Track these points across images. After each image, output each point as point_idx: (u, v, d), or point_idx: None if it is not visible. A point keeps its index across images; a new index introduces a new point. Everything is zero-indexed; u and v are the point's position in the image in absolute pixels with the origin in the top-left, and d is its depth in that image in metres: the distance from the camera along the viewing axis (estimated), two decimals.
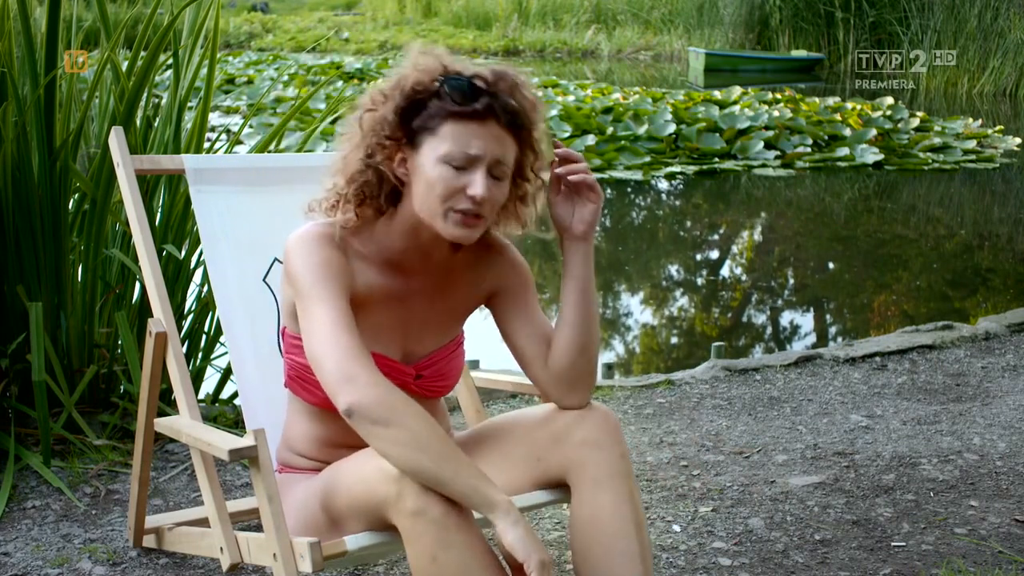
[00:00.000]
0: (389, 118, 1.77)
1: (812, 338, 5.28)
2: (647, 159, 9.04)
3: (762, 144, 9.44)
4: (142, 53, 2.98)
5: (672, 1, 21.80)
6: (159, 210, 3.08)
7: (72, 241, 3.03)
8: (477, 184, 1.72)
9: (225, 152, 3.62)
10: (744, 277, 6.53)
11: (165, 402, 2.91)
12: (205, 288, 3.22)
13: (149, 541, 2.40)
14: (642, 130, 9.59)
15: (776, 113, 10.30)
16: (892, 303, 5.82)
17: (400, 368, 1.87)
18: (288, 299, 1.85)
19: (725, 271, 6.70)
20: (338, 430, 1.88)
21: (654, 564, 2.44)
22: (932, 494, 2.83)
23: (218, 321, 3.19)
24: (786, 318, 5.75)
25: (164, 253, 2.99)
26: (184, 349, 3.08)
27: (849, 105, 11.31)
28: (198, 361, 3.22)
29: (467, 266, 1.93)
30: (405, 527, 1.66)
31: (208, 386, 3.38)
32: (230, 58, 16.40)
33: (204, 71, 3.21)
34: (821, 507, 2.74)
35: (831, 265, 6.79)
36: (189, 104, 3.27)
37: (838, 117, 10.58)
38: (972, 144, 10.08)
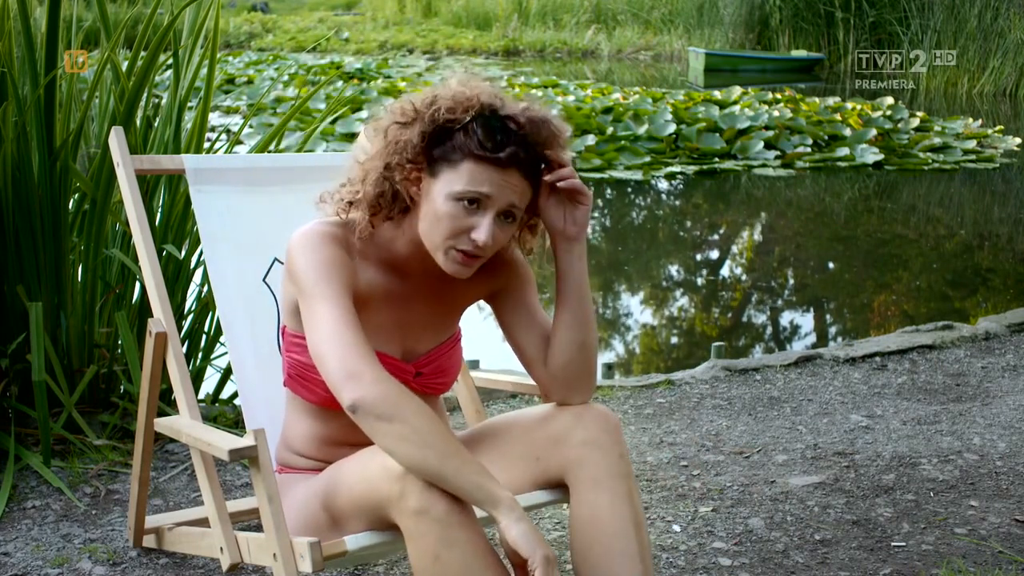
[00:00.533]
0: (413, 140, 1.76)
1: (812, 338, 5.28)
2: (647, 159, 9.04)
3: (762, 144, 9.43)
4: (142, 53, 2.98)
5: (672, 1, 21.80)
6: (159, 210, 3.08)
7: (72, 241, 3.03)
8: (483, 230, 1.73)
9: (225, 152, 3.62)
10: (744, 277, 6.53)
11: (165, 402, 2.91)
12: (205, 288, 3.22)
13: (149, 541, 2.40)
14: (642, 130, 9.59)
15: (776, 113, 10.29)
16: (892, 303, 5.82)
17: (400, 366, 1.88)
18: (289, 297, 1.85)
19: (725, 271, 6.70)
20: (338, 428, 1.88)
21: (654, 564, 2.43)
22: (932, 494, 2.83)
23: (218, 321, 3.19)
24: (786, 318, 5.75)
25: (164, 253, 2.99)
26: (184, 349, 3.08)
27: (849, 105, 11.31)
28: (198, 361, 3.22)
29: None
30: (407, 526, 1.66)
31: (208, 386, 3.38)
32: (230, 58, 16.40)
33: (204, 71, 3.21)
34: (821, 507, 2.74)
35: (831, 265, 6.79)
36: (189, 104, 3.27)
37: (838, 117, 10.58)
38: (972, 144, 10.08)
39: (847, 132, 10.04)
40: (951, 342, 4.17)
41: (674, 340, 5.40)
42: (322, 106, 9.90)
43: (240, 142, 7.98)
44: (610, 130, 9.62)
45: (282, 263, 2.29)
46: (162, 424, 2.12)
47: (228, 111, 11.31)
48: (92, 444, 2.89)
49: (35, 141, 2.87)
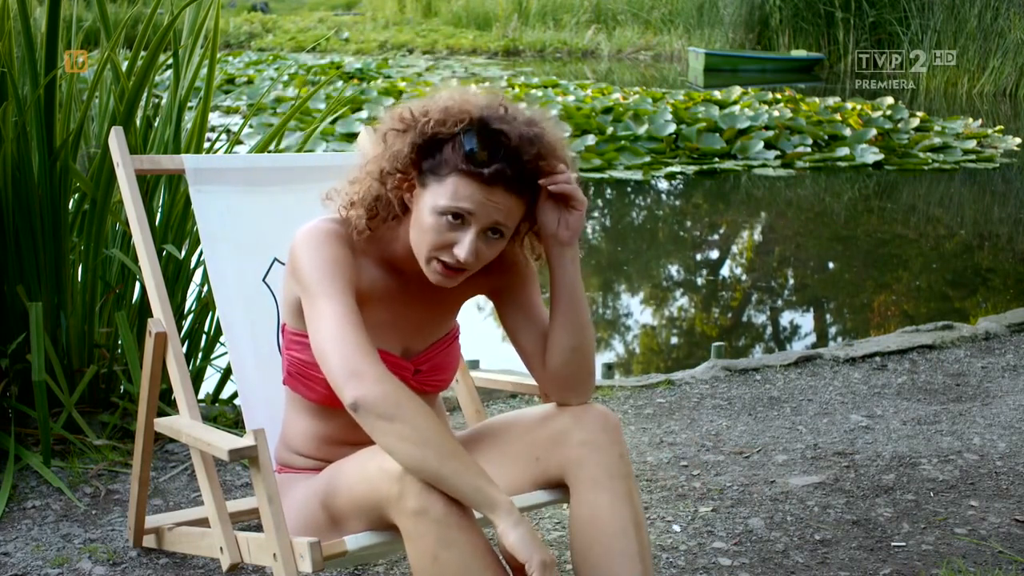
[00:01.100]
0: (404, 151, 1.76)
1: (812, 338, 5.28)
2: (647, 159, 9.04)
3: (762, 144, 9.43)
4: (142, 53, 2.98)
5: (672, 1, 21.79)
6: (159, 210, 3.08)
7: (72, 241, 3.03)
8: (464, 247, 1.72)
9: (225, 152, 3.62)
10: (744, 277, 6.53)
11: (165, 402, 2.91)
12: (205, 288, 3.22)
13: (149, 541, 2.40)
14: (642, 130, 9.59)
15: (776, 113, 10.29)
16: (892, 303, 5.82)
17: (399, 363, 1.88)
18: (291, 295, 1.85)
19: (725, 271, 6.70)
20: (338, 427, 1.88)
21: (654, 564, 2.44)
22: (932, 494, 2.83)
23: (218, 321, 3.19)
24: (786, 318, 5.75)
25: (164, 253, 2.99)
26: (184, 349, 3.08)
27: (849, 105, 11.30)
28: (198, 361, 3.22)
29: None
30: (406, 526, 1.66)
31: (208, 386, 3.38)
32: (230, 58, 16.40)
33: (204, 71, 3.21)
34: (821, 507, 2.74)
35: (831, 265, 6.79)
36: (189, 104, 3.27)
37: (838, 117, 10.58)
38: (972, 144, 10.08)
39: (847, 132, 10.04)
40: (951, 342, 4.17)
41: (674, 340, 5.40)
42: (322, 106, 9.90)
43: (240, 142, 7.98)
44: (610, 130, 9.62)
45: (282, 263, 2.29)
46: (162, 424, 2.12)
47: (228, 111, 11.31)
48: (92, 444, 2.89)
49: (35, 141, 2.87)
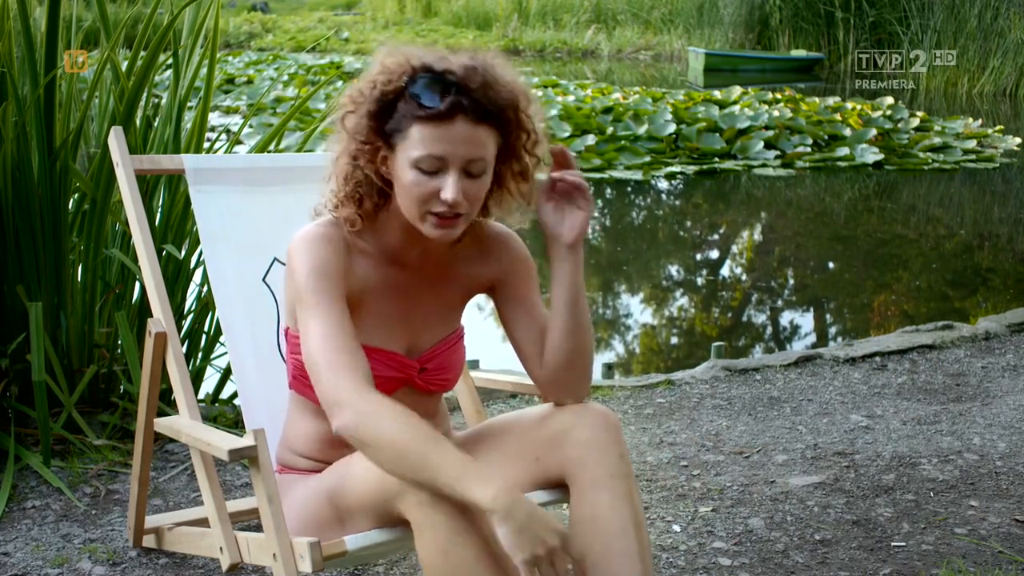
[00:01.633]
0: (363, 123, 1.77)
1: (812, 338, 5.28)
2: (647, 159, 9.05)
3: (762, 144, 9.44)
4: (142, 53, 2.98)
5: (672, 1, 21.80)
6: (159, 210, 3.08)
7: (72, 241, 3.03)
8: (448, 188, 1.70)
9: (225, 152, 3.62)
10: (744, 277, 6.53)
11: (165, 402, 2.91)
12: (205, 288, 3.22)
13: (149, 541, 2.40)
14: (642, 130, 9.59)
15: (776, 113, 10.30)
16: (892, 303, 5.82)
17: (404, 362, 1.87)
18: (291, 299, 1.85)
19: (725, 271, 6.70)
20: None
21: (654, 564, 2.44)
22: (932, 494, 2.83)
23: (218, 321, 3.18)
24: (786, 318, 5.75)
25: (164, 253, 2.99)
26: (184, 349, 3.08)
27: (849, 105, 11.31)
28: (198, 361, 3.22)
29: (469, 257, 1.92)
30: (417, 519, 1.66)
31: (208, 386, 3.38)
32: (230, 58, 16.41)
33: (204, 71, 3.21)
34: (821, 507, 2.74)
35: (831, 265, 6.79)
36: (189, 104, 3.27)
37: (838, 117, 10.58)
38: (972, 144, 10.08)
39: (847, 132, 10.04)
40: (951, 342, 4.17)
41: (674, 340, 5.40)
42: (322, 106, 9.90)
43: (240, 142, 7.98)
44: (610, 130, 9.62)
45: (282, 263, 2.29)
46: (162, 424, 2.12)
47: (228, 111, 11.31)
48: (92, 444, 2.89)
49: (35, 141, 2.87)
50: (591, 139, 9.20)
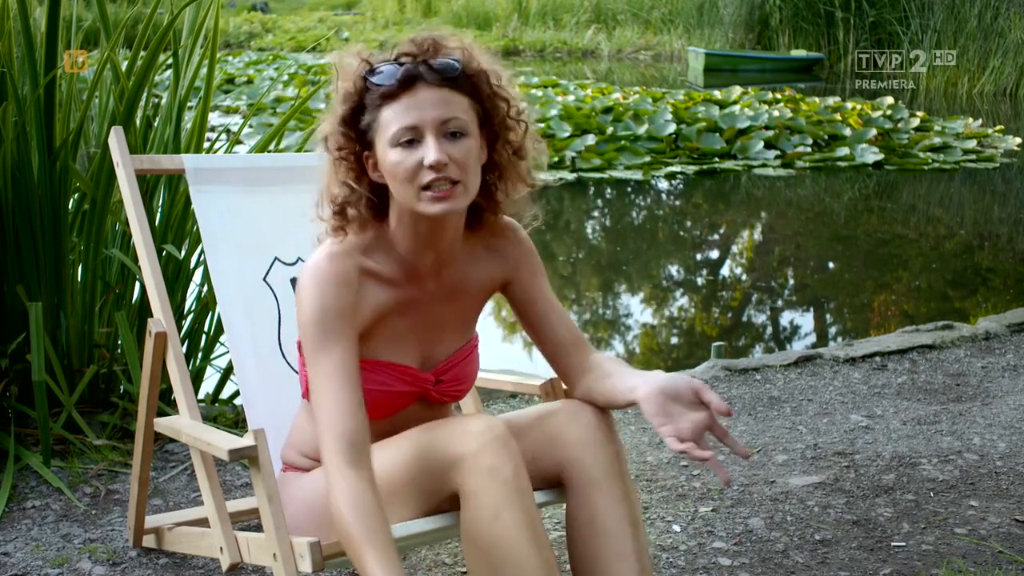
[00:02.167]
0: (339, 129, 1.77)
1: (812, 338, 5.28)
2: (647, 159, 9.05)
3: (762, 144, 9.44)
4: (142, 53, 2.98)
5: (672, 1, 21.80)
6: (159, 210, 3.08)
7: (72, 241, 3.03)
8: (430, 151, 1.69)
9: (225, 152, 3.62)
10: (744, 277, 6.53)
11: (165, 402, 2.91)
12: (205, 288, 3.22)
13: (149, 541, 2.40)
14: (642, 130, 9.60)
15: (776, 113, 10.30)
16: (892, 303, 5.82)
17: (419, 376, 1.86)
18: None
19: (725, 271, 6.70)
20: None
21: (654, 564, 2.44)
22: (932, 494, 2.83)
23: (218, 321, 3.19)
24: (786, 318, 5.75)
25: (164, 253, 2.99)
26: (184, 349, 3.08)
27: (849, 105, 11.31)
28: (198, 361, 3.22)
29: (479, 257, 1.90)
30: (474, 484, 1.67)
31: (208, 386, 3.38)
32: (230, 58, 16.41)
33: (204, 71, 3.21)
34: (821, 507, 2.74)
35: (831, 265, 6.79)
36: (189, 104, 3.27)
37: (838, 117, 10.58)
38: (972, 144, 10.08)
39: (847, 132, 10.04)
40: (951, 342, 4.17)
41: (674, 340, 5.40)
42: (322, 106, 9.88)
43: (240, 142, 7.98)
44: (610, 130, 9.62)
45: (283, 263, 2.29)
46: (162, 424, 2.12)
47: (228, 111, 11.32)
48: (92, 444, 2.89)
49: (35, 141, 2.87)
50: (591, 139, 9.20)
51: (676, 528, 2.62)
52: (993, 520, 2.67)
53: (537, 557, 1.67)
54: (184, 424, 2.05)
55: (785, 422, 3.37)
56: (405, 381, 1.83)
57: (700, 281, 6.46)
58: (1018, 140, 10.36)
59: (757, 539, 2.57)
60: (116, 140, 2.25)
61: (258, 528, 2.44)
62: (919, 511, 2.73)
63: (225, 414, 3.17)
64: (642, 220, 8.15)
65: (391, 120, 1.71)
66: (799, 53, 17.88)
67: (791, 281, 6.48)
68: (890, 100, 11.67)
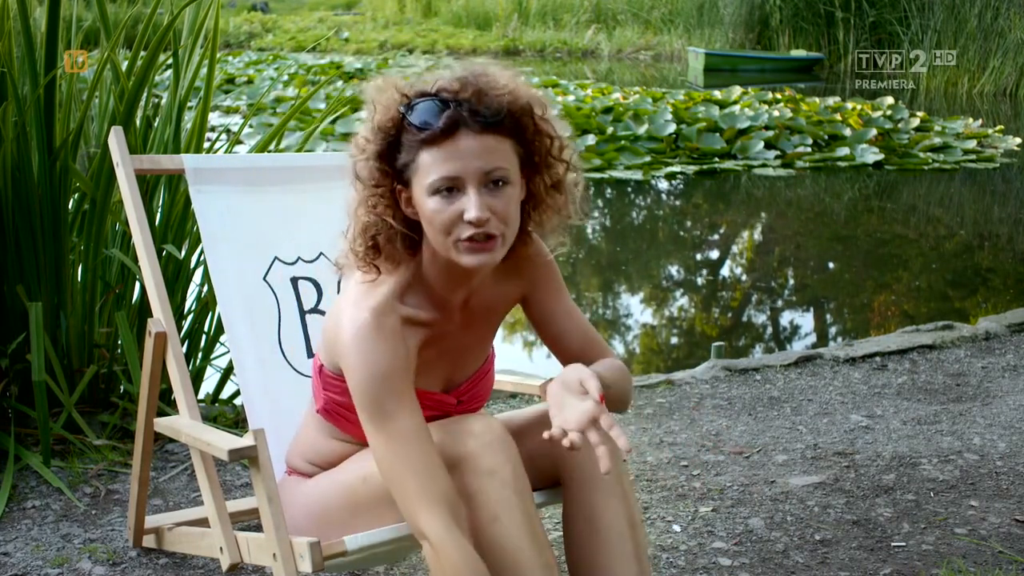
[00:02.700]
0: (372, 166, 1.70)
1: (812, 338, 5.28)
2: (647, 159, 9.04)
3: (762, 144, 9.43)
4: (142, 53, 2.98)
5: (672, 1, 21.79)
6: (159, 210, 3.08)
7: (72, 241, 3.03)
8: (471, 207, 1.63)
9: (225, 152, 3.62)
10: (744, 277, 6.53)
11: (165, 402, 2.91)
12: (205, 288, 3.22)
13: (149, 541, 2.40)
14: (642, 130, 9.59)
15: (776, 113, 10.29)
16: (892, 303, 5.82)
17: (443, 400, 1.85)
18: (331, 351, 1.77)
19: (725, 271, 6.70)
20: None
21: (654, 564, 2.44)
22: (932, 494, 2.83)
23: (218, 321, 3.19)
24: (786, 318, 5.75)
25: (164, 253, 2.99)
26: (184, 349, 3.08)
27: (849, 105, 11.30)
28: (198, 361, 3.22)
29: (498, 282, 1.86)
30: (474, 485, 1.67)
31: (208, 386, 3.38)
32: (230, 58, 16.40)
33: (204, 71, 3.21)
34: (821, 507, 2.74)
35: (831, 265, 6.79)
36: (189, 104, 3.27)
37: (838, 117, 10.58)
38: (972, 144, 10.08)
39: (847, 132, 10.04)
40: (951, 342, 4.17)
41: (674, 340, 5.40)
42: (322, 106, 9.90)
43: (240, 142, 7.97)
44: (610, 130, 9.62)
45: (283, 262, 2.29)
46: (162, 424, 2.12)
47: (228, 111, 11.31)
48: (92, 444, 2.89)
49: (35, 141, 2.87)
50: (591, 139, 9.20)
51: (676, 528, 2.62)
52: (993, 520, 2.67)
53: (537, 558, 1.67)
54: (184, 424, 2.05)
55: (785, 422, 3.37)
56: (429, 406, 1.81)
57: (700, 281, 6.46)
58: (1018, 140, 10.36)
59: (757, 539, 2.57)
60: (116, 140, 2.25)
61: (258, 528, 2.44)
62: (919, 511, 2.73)
63: (225, 414, 3.17)
64: (642, 220, 8.15)
65: (431, 167, 1.65)
66: (799, 53, 17.87)
67: (791, 281, 6.48)
68: (890, 100, 11.67)
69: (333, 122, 9.09)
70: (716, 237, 7.57)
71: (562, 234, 1.85)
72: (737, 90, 11.95)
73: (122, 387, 3.07)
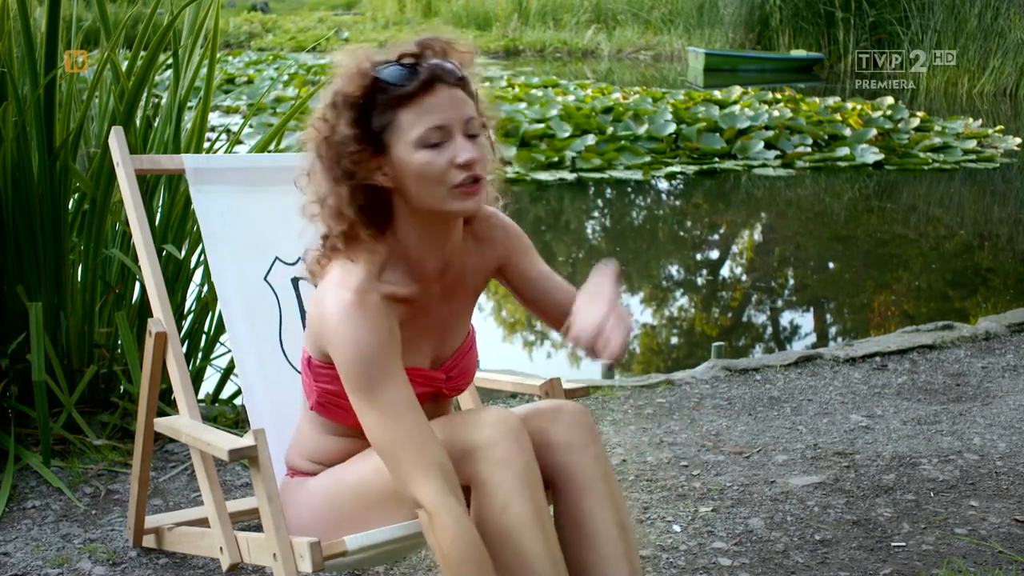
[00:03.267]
0: (348, 133, 1.70)
1: (812, 338, 5.28)
2: (647, 159, 9.04)
3: (762, 144, 9.43)
4: (142, 53, 2.98)
5: (672, 1, 21.79)
6: (159, 210, 3.08)
7: (72, 241, 3.03)
8: (462, 150, 1.69)
9: (225, 152, 3.62)
10: (744, 277, 6.53)
11: (165, 402, 2.91)
12: (205, 288, 3.22)
13: (149, 541, 2.40)
14: (642, 130, 9.59)
15: (776, 113, 10.29)
16: (892, 303, 5.82)
17: (432, 375, 1.86)
18: (317, 341, 1.78)
19: (725, 271, 6.70)
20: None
21: (654, 564, 2.44)
22: (932, 494, 2.83)
23: (218, 321, 3.19)
24: (786, 318, 5.75)
25: (164, 253, 2.99)
26: (184, 349, 3.08)
27: (849, 105, 11.30)
28: (198, 361, 3.22)
29: (469, 252, 1.89)
30: (486, 474, 1.68)
31: (208, 386, 3.38)
32: (230, 58, 16.41)
33: (204, 71, 3.21)
34: (821, 507, 2.74)
35: (831, 265, 6.79)
36: (189, 104, 3.27)
37: (838, 117, 10.58)
38: (972, 144, 10.08)
39: (847, 132, 10.04)
40: (951, 342, 4.17)
41: (674, 340, 5.40)
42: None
43: (240, 142, 7.98)
44: (610, 130, 9.62)
45: (284, 262, 2.29)
46: (162, 424, 2.12)
47: (228, 111, 11.32)
48: (92, 444, 2.89)
49: (35, 141, 2.87)
50: (591, 139, 9.20)
51: (676, 528, 2.62)
52: (993, 520, 2.67)
53: (545, 550, 1.68)
54: (184, 424, 2.05)
55: (785, 422, 3.37)
56: (419, 383, 1.82)
57: (700, 281, 6.46)
58: (1018, 140, 10.36)
59: (757, 539, 2.57)
60: (116, 140, 2.25)
61: (258, 528, 2.44)
62: (919, 511, 2.73)
63: (225, 414, 3.17)
64: (642, 220, 8.15)
65: (415, 121, 1.69)
66: (799, 53, 17.87)
67: (791, 281, 6.48)
68: (890, 100, 11.67)
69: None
70: (716, 237, 7.58)
71: (502, 196, 1.90)
72: (737, 90, 11.95)
73: (122, 387, 3.07)
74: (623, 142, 9.30)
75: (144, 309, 3.00)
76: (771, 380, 3.78)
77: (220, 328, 3.20)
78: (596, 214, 7.98)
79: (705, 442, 3.19)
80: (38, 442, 2.86)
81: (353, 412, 1.74)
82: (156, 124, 3.24)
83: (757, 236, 7.68)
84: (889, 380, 3.79)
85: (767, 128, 9.87)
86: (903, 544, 2.55)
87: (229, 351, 3.23)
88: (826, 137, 9.95)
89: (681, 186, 8.81)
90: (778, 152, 9.43)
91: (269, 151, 3.42)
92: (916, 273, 6.48)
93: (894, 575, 2.40)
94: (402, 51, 1.72)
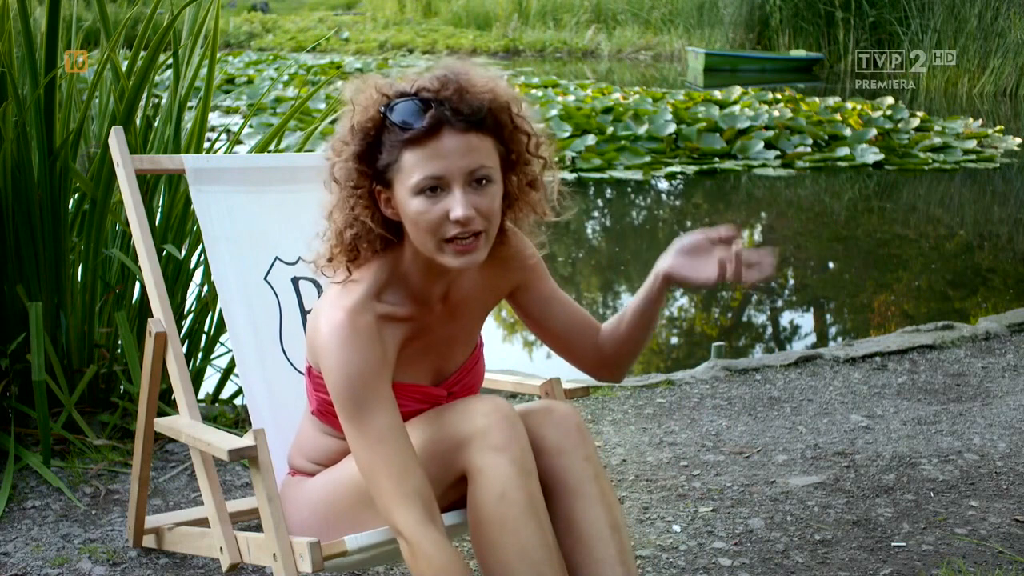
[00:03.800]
0: (353, 166, 1.70)
1: (812, 338, 5.28)
2: (647, 159, 9.04)
3: (762, 144, 9.43)
4: (142, 53, 2.98)
5: (672, 1, 21.80)
6: (159, 210, 3.08)
7: (72, 241, 3.03)
8: (456, 205, 1.64)
9: (225, 152, 3.62)
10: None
11: (165, 402, 2.91)
12: (205, 288, 3.22)
13: (149, 541, 2.40)
14: (642, 130, 9.59)
15: (776, 113, 10.29)
16: (892, 303, 5.82)
17: (432, 392, 1.85)
18: (312, 352, 1.79)
19: None
20: None
21: (654, 564, 2.44)
22: (932, 494, 2.83)
23: (218, 321, 3.19)
24: (786, 318, 5.75)
25: (164, 253, 2.99)
26: (184, 349, 3.08)
27: (849, 105, 11.30)
28: (198, 361, 3.22)
29: (482, 272, 1.87)
30: (482, 462, 1.68)
31: (208, 386, 3.38)
32: (230, 58, 16.41)
33: (204, 71, 3.21)
34: (821, 507, 2.74)
35: (831, 265, 6.79)
36: (189, 104, 3.27)
37: (838, 117, 10.58)
38: (972, 144, 10.08)
39: (847, 132, 10.04)
40: (951, 342, 4.17)
41: (674, 340, 5.40)
42: (322, 106, 9.89)
43: (240, 142, 7.98)
44: (610, 130, 9.62)
45: (284, 262, 2.29)
46: (162, 424, 2.12)
47: (228, 111, 11.32)
48: (92, 444, 2.89)
49: (35, 141, 2.87)
50: (591, 139, 9.20)
51: (676, 528, 2.62)
52: (993, 520, 2.67)
53: (540, 538, 1.68)
54: (184, 424, 2.05)
55: (785, 422, 3.37)
56: (418, 400, 1.82)
57: None
58: (1018, 140, 10.36)
59: (757, 539, 2.57)
60: (116, 140, 2.25)
61: (258, 528, 2.44)
62: (919, 511, 2.73)
63: (225, 414, 3.17)
64: (642, 220, 8.15)
65: (414, 167, 1.65)
66: (799, 53, 17.87)
67: (791, 281, 6.48)
68: (890, 100, 11.67)
69: (333, 122, 9.06)
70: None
71: (539, 232, 1.87)
72: (737, 90, 11.95)
73: (122, 387, 3.07)
74: (623, 142, 9.31)
75: (144, 309, 3.00)
76: (771, 380, 3.78)
77: (220, 328, 3.20)
78: (596, 214, 7.98)
79: (705, 442, 3.19)
80: (38, 442, 2.86)
81: None
82: (156, 124, 3.24)
83: (757, 236, 7.67)
84: (889, 380, 3.79)
85: (767, 128, 9.87)
86: (903, 544, 2.55)
87: (229, 351, 3.24)
88: (826, 137, 9.96)
89: (681, 186, 8.81)
90: (778, 152, 9.43)
91: (269, 151, 3.42)
92: (916, 273, 6.48)
93: (894, 575, 2.40)
94: (420, 85, 1.68)
